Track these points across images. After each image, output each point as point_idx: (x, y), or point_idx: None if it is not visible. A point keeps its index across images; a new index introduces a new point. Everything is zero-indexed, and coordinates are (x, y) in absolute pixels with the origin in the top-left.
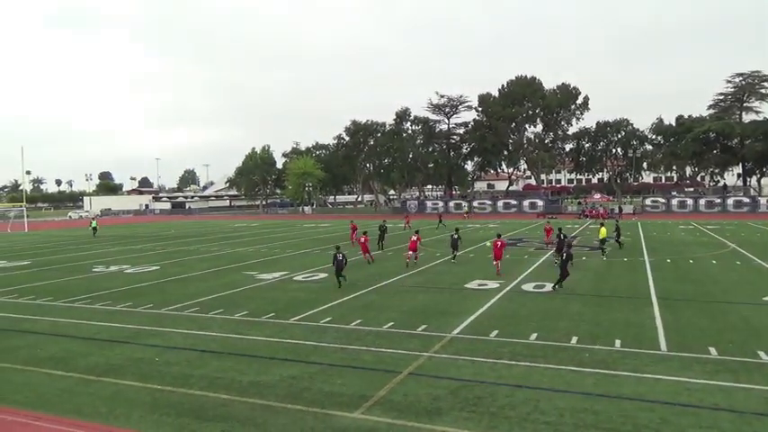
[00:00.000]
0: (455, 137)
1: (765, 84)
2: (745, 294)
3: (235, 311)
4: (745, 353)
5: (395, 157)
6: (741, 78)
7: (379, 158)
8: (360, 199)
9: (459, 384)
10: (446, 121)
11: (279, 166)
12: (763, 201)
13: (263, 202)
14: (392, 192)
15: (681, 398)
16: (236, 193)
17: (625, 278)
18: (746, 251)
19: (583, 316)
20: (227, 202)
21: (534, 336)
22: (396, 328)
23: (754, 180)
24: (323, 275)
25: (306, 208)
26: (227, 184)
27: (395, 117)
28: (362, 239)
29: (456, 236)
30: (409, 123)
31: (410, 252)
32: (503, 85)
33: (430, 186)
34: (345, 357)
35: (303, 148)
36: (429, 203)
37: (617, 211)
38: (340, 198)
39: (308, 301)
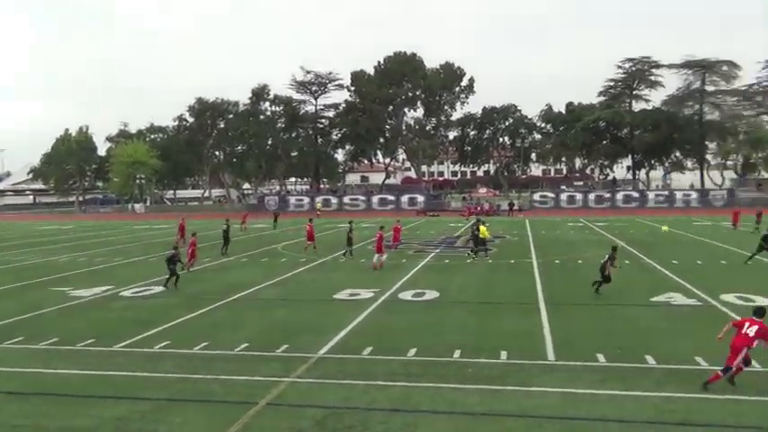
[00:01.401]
0: (323, 120)
1: (654, 70)
2: (633, 296)
3: (40, 339)
4: (634, 358)
5: (250, 144)
6: (631, 64)
7: (230, 145)
8: (207, 194)
9: (327, 413)
10: (313, 101)
11: (101, 152)
12: (651, 195)
13: (80, 199)
14: (247, 185)
15: (568, 410)
16: (42, 186)
17: (512, 282)
18: (635, 249)
19: (467, 326)
20: (29, 198)
21: (413, 351)
22: (251, 349)
23: (642, 173)
24: (158, 289)
25: (137, 206)
26: (30, 176)
27: (250, 96)
28: (190, 242)
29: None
30: (268, 104)
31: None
32: (379, 62)
33: (293, 179)
34: (187, 389)
35: (134, 131)
36: (293, 199)
37: (506, 207)
38: (182, 193)
39: (140, 321)
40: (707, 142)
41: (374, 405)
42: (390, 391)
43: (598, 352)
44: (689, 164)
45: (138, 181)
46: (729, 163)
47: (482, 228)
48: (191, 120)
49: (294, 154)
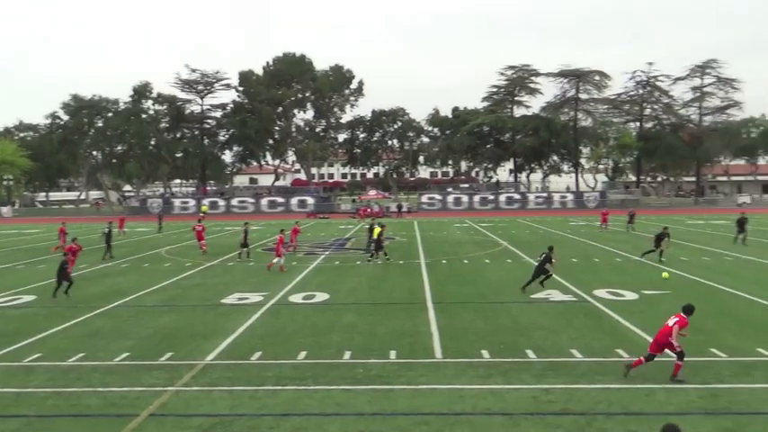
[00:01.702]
0: (210, 121)
1: (534, 78)
2: (515, 293)
3: None
4: (516, 353)
5: (131, 144)
6: (513, 71)
7: (110, 145)
8: (83, 196)
9: (214, 421)
10: (199, 101)
11: None
12: (531, 197)
13: None
14: (128, 187)
15: (455, 407)
16: None
17: (401, 283)
18: (517, 249)
19: (357, 327)
20: None
21: (303, 354)
22: (132, 359)
23: (524, 176)
24: (29, 298)
25: (4, 209)
26: None
27: (132, 93)
28: (70, 249)
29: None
30: (151, 102)
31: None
32: (268, 63)
33: (179, 181)
34: (61, 404)
35: (0, 129)
36: (177, 201)
37: (395, 209)
38: (55, 195)
39: (7, 333)
40: (581, 147)
41: (263, 411)
42: (280, 396)
43: (483, 348)
44: (565, 167)
45: (5, 182)
46: (601, 167)
47: (376, 229)
48: (65, 118)
49: (179, 155)
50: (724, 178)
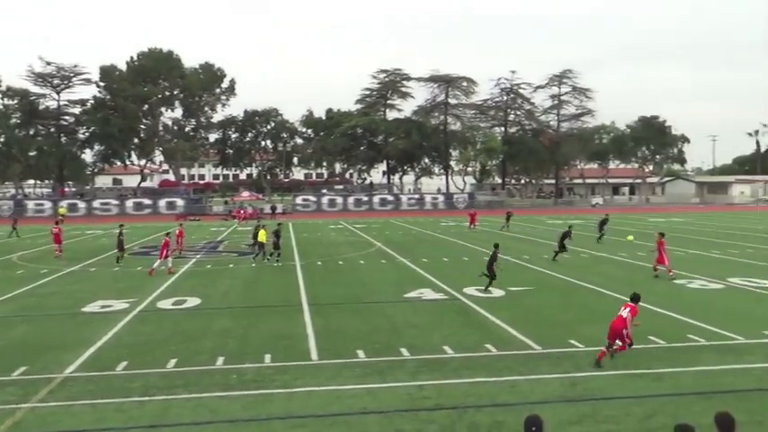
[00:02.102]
0: (68, 118)
1: (405, 82)
2: (389, 293)
3: None
4: (390, 352)
5: None
6: (385, 75)
7: None
8: None
9: None
10: (55, 96)
11: None
12: (404, 198)
13: None
14: None
15: (332, 407)
16: None
17: (276, 285)
18: (390, 249)
19: (230, 332)
20: None
21: (173, 362)
22: None
23: (397, 178)
24: None
25: None
26: None
27: None
28: None
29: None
30: (0, 96)
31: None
32: (132, 58)
33: (32, 181)
34: None
35: None
36: (31, 203)
37: (269, 210)
38: None
39: None
40: (451, 150)
41: (130, 423)
42: (148, 407)
43: (358, 349)
44: (436, 169)
45: None
46: (469, 169)
47: (261, 231)
48: None
49: (33, 153)
50: (580, 181)
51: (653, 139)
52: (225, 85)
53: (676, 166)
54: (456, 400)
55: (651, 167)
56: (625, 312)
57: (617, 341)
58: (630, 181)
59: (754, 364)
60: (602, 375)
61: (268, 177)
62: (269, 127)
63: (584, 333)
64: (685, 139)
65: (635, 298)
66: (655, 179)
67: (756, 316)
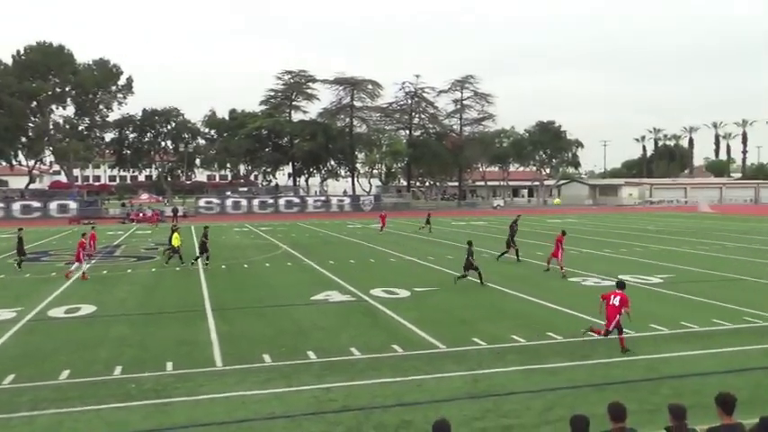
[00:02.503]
0: None
1: (311, 84)
2: (295, 296)
3: None
4: (297, 355)
5: None
6: (290, 76)
7: None
8: None
9: None
10: None
11: None
12: (310, 201)
13: None
14: None
15: (237, 414)
16: None
17: (177, 290)
18: (297, 252)
19: (128, 340)
20: None
21: (66, 374)
22: None
23: (302, 180)
24: None
25: None
26: None
27: None
28: None
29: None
30: None
31: None
32: (18, 52)
33: None
34: None
35: None
36: None
37: (170, 213)
38: None
39: None
40: (357, 152)
41: None
42: (39, 422)
43: (264, 353)
44: (342, 172)
45: None
46: (375, 171)
47: (175, 235)
48: None
49: None
50: (482, 183)
51: (549, 143)
52: (122, 82)
53: (571, 170)
54: (363, 401)
55: (548, 170)
56: (616, 300)
57: (620, 327)
58: (529, 183)
59: (642, 355)
60: (503, 372)
61: (169, 179)
62: (169, 127)
63: (487, 331)
64: (579, 144)
65: (621, 285)
66: (552, 182)
67: (645, 311)
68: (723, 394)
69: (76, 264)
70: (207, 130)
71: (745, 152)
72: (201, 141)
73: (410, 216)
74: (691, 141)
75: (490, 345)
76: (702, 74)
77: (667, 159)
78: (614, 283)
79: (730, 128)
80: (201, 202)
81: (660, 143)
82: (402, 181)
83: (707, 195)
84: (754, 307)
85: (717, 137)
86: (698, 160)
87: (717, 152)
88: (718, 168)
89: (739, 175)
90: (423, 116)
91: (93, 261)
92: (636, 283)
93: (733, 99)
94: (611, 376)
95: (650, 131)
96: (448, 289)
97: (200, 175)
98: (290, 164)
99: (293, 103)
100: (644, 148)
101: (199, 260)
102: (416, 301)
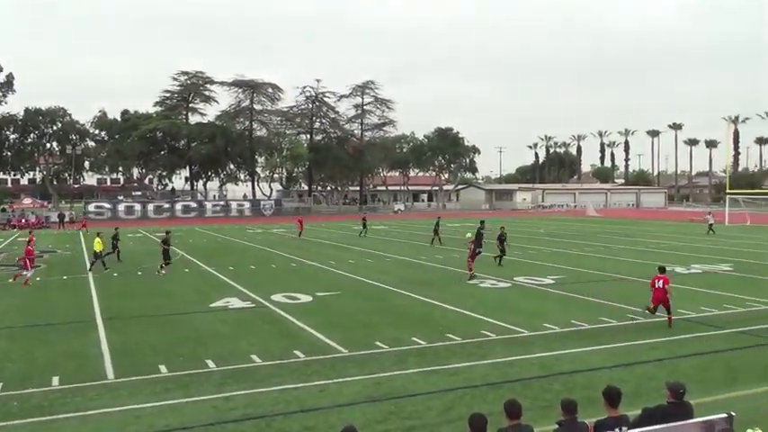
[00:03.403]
0: None
1: (209, 86)
2: (193, 303)
3: None
4: (195, 364)
5: None
6: (186, 77)
7: None
8: None
9: None
10: None
11: None
12: (209, 205)
13: None
14: None
15: (130, 428)
16: None
17: (65, 300)
18: (195, 258)
19: (10, 355)
20: None
21: None
22: None
23: (200, 184)
24: None
25: None
26: None
27: None
28: None
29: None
30: None
31: None
32: None
33: None
34: None
35: None
36: None
37: (56, 219)
38: None
39: None
40: (257, 156)
41: None
42: None
43: (161, 363)
44: (242, 176)
45: None
46: (276, 176)
47: (97, 240)
48: None
49: None
50: (383, 188)
51: (448, 149)
52: (1, 79)
53: (469, 175)
54: (264, 408)
55: (447, 175)
56: (660, 284)
57: (669, 307)
58: (429, 188)
59: (535, 354)
60: (404, 374)
61: (55, 183)
62: (55, 128)
63: (388, 334)
64: (476, 150)
65: (662, 270)
66: (450, 186)
67: (538, 311)
68: (609, 388)
69: (28, 271)
70: (97, 132)
71: (627, 160)
72: (91, 143)
73: (312, 221)
74: (579, 149)
75: (392, 348)
76: (588, 86)
77: (558, 166)
78: (657, 269)
79: (614, 137)
80: (91, 207)
81: (551, 150)
82: (303, 185)
83: (594, 200)
84: (635, 305)
85: (602, 145)
86: (585, 167)
87: (602, 159)
88: (604, 175)
89: (622, 180)
90: (324, 121)
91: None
92: (529, 285)
93: (617, 109)
94: (507, 375)
95: (542, 139)
96: (350, 293)
97: (90, 179)
98: (188, 167)
99: (190, 104)
100: (536, 154)
101: (165, 266)
102: (319, 305)
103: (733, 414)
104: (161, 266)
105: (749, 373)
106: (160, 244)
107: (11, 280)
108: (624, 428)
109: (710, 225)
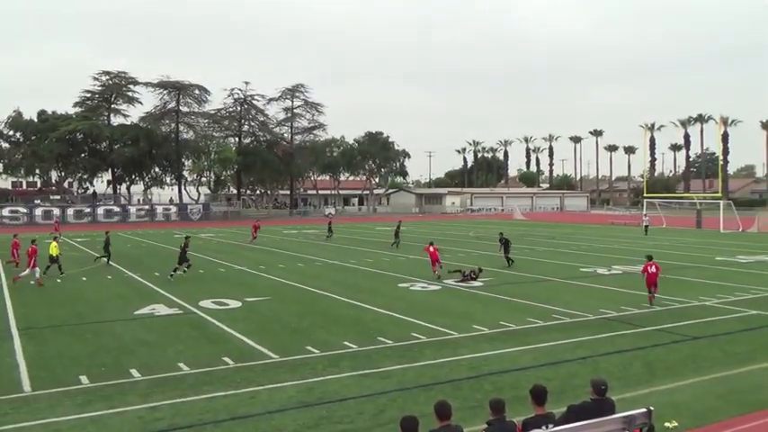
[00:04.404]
0: None
1: (132, 86)
2: (117, 310)
3: None
4: (119, 374)
5: None
6: (108, 77)
7: None
8: None
9: None
10: None
11: None
12: (133, 210)
13: None
14: None
15: None
16: None
17: None
18: (118, 264)
19: None
20: None
21: None
22: None
23: (124, 188)
24: None
25: None
26: None
27: None
28: None
29: None
30: None
31: None
32: None
33: None
34: None
35: None
36: None
37: None
38: None
39: None
40: (183, 159)
41: None
42: None
43: (81, 374)
44: (168, 179)
45: None
46: (204, 179)
47: (53, 244)
48: None
49: None
50: (313, 192)
51: (378, 153)
52: None
53: (399, 179)
54: (192, 417)
55: (377, 179)
56: (653, 269)
57: (654, 289)
58: (359, 192)
59: (465, 355)
60: (335, 378)
61: None
62: None
63: (320, 338)
64: (406, 154)
65: (650, 257)
66: (381, 190)
67: (467, 313)
68: (535, 386)
69: (34, 270)
70: (11, 133)
71: (551, 165)
72: (5, 145)
73: (240, 225)
74: (506, 154)
75: (323, 352)
76: (512, 92)
77: (486, 170)
78: (645, 257)
79: (539, 142)
80: (5, 212)
81: (479, 155)
82: (232, 189)
83: (520, 204)
84: (560, 305)
85: (528, 150)
86: (512, 171)
87: (528, 164)
88: (530, 179)
89: (547, 185)
90: (253, 123)
91: None
92: (459, 287)
93: (540, 115)
94: (437, 376)
95: (470, 144)
96: (280, 298)
97: (4, 182)
98: (110, 170)
99: (112, 105)
100: (465, 159)
101: (177, 271)
102: (248, 311)
103: (652, 408)
104: (177, 270)
105: (666, 369)
106: (180, 248)
107: None
108: (551, 426)
109: (646, 227)
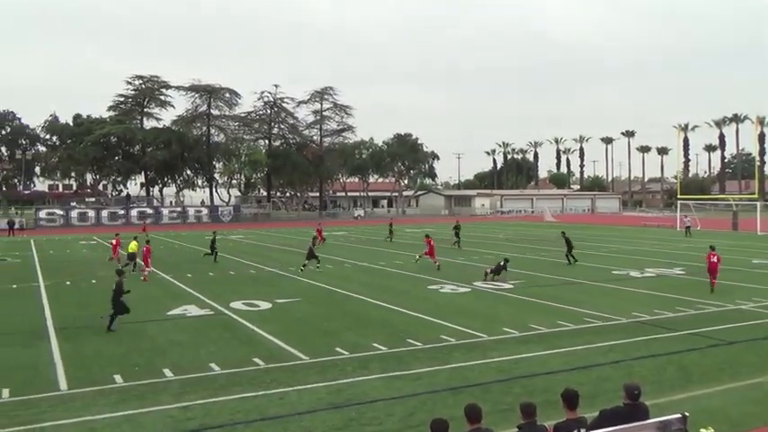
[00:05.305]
0: None
1: (164, 90)
2: (150, 311)
3: None
4: (152, 374)
5: None
6: (141, 82)
7: None
8: None
9: None
10: None
11: None
12: (165, 212)
13: None
14: None
15: None
16: None
17: (14, 310)
18: (152, 265)
19: None
20: None
21: None
22: None
23: (156, 190)
24: None
25: None
26: None
27: None
28: None
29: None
30: None
31: None
32: None
33: None
34: None
35: None
36: None
37: (6, 226)
38: None
39: None
40: (214, 162)
41: None
42: None
43: (116, 373)
44: (199, 182)
45: None
46: (234, 182)
47: (134, 243)
48: None
49: None
50: (342, 194)
51: (407, 155)
52: None
53: (428, 181)
54: (223, 418)
55: (406, 181)
56: (714, 258)
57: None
58: (388, 194)
59: (495, 358)
60: (365, 380)
61: (4, 189)
62: (4, 132)
63: (349, 340)
64: (435, 156)
65: (713, 247)
66: (410, 192)
67: (497, 315)
68: (567, 390)
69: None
70: (48, 136)
71: (582, 166)
72: (42, 148)
73: (270, 227)
74: (536, 155)
75: (353, 354)
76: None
77: (515, 172)
78: (709, 247)
79: (569, 143)
80: (42, 214)
81: (509, 156)
82: (262, 191)
83: (551, 205)
84: (592, 308)
85: (558, 151)
86: (542, 173)
87: (558, 165)
88: (560, 180)
89: (578, 186)
90: (282, 126)
91: None
92: (488, 289)
93: (571, 116)
94: (467, 379)
95: (500, 145)
96: (310, 300)
97: (41, 185)
98: (143, 173)
99: (145, 109)
100: (494, 161)
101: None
102: (278, 312)
103: (687, 414)
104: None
105: (702, 374)
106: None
107: None
108: (582, 430)
109: (688, 227)
